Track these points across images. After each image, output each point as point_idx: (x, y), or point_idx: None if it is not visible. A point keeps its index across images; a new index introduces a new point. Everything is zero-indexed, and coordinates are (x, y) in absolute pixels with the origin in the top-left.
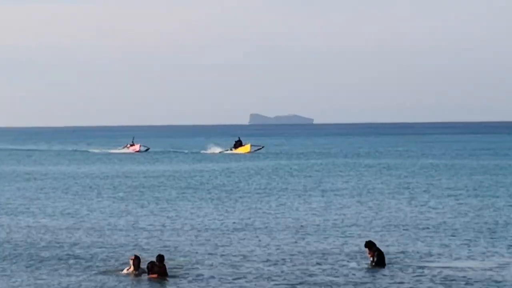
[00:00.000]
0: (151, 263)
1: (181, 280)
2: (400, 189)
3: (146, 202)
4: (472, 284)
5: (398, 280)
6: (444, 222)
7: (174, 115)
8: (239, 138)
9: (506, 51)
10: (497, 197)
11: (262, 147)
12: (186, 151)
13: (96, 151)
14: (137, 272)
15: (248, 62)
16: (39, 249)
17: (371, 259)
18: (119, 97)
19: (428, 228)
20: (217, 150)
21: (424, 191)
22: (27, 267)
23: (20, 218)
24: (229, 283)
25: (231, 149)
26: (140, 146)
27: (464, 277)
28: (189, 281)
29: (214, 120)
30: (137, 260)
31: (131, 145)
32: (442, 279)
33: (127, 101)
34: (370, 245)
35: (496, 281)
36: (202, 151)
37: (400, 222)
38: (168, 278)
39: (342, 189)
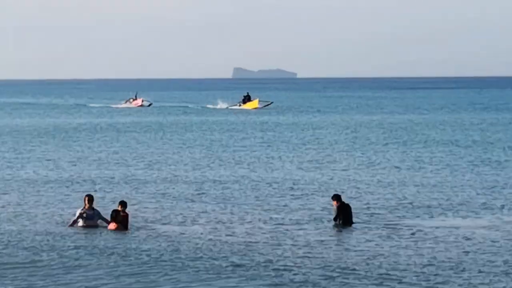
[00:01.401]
0: (115, 211)
1: (141, 234)
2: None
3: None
4: (459, 242)
5: (367, 237)
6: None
7: (158, 69)
8: (247, 93)
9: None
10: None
11: (271, 102)
12: (190, 105)
13: (96, 105)
14: (91, 212)
15: (231, 16)
16: None
17: (336, 213)
18: (108, 52)
19: (417, 185)
20: (224, 105)
21: (416, 145)
22: None
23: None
24: (196, 239)
25: (239, 105)
26: (142, 100)
27: (447, 235)
28: (151, 237)
29: (198, 74)
30: (90, 199)
31: (134, 100)
32: (411, 236)
33: (114, 55)
34: (337, 197)
35: (479, 241)
36: (208, 106)
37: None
38: (128, 231)
39: (336, 143)
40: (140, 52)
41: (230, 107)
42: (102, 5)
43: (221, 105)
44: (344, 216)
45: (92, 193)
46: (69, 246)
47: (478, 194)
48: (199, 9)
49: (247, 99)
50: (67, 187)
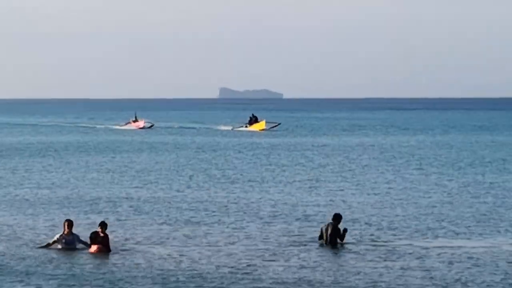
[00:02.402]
0: (95, 232)
1: (123, 255)
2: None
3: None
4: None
5: (362, 258)
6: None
7: (142, 89)
8: (253, 114)
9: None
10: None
11: (279, 124)
12: (197, 126)
13: (97, 126)
14: (70, 237)
15: (218, 36)
16: None
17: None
18: (94, 71)
19: (409, 204)
20: (230, 127)
21: (409, 166)
22: None
23: None
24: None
25: (245, 126)
26: (144, 122)
27: (439, 255)
28: (134, 257)
29: (183, 94)
30: (70, 224)
31: (134, 121)
32: (404, 257)
33: (101, 75)
34: (334, 217)
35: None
36: (215, 127)
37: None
38: (109, 253)
39: (327, 165)
40: (120, 71)
41: (236, 129)
42: (78, 21)
43: (226, 126)
44: (330, 235)
45: (77, 216)
46: (51, 270)
47: (470, 215)
48: (184, 29)
49: (253, 120)
50: (56, 208)
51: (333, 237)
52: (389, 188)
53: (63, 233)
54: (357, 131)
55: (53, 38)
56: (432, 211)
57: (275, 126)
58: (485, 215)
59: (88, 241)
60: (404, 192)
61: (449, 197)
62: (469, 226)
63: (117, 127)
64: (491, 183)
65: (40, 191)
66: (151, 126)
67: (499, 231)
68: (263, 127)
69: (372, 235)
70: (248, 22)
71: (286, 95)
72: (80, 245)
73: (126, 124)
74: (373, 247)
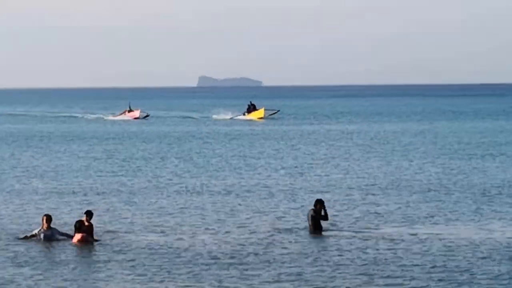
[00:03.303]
0: (80, 221)
1: (105, 247)
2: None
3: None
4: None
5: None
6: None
7: (121, 77)
8: (251, 102)
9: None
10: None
11: (278, 111)
12: (195, 116)
13: (88, 117)
14: (49, 232)
15: (196, 24)
16: None
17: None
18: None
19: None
20: (227, 115)
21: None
22: None
23: None
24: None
25: (243, 114)
26: (140, 112)
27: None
28: (116, 250)
29: (162, 82)
30: (48, 218)
31: (129, 111)
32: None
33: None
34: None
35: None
36: (213, 116)
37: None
38: (93, 243)
39: (313, 153)
40: (97, 59)
41: (234, 117)
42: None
43: (224, 115)
44: (312, 222)
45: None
46: (31, 259)
47: (457, 200)
48: (162, 17)
49: (252, 108)
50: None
51: (316, 222)
52: (375, 175)
53: (42, 227)
54: (341, 118)
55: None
56: (419, 197)
57: (274, 113)
58: (472, 200)
59: (69, 233)
60: (389, 178)
61: (435, 183)
62: (454, 212)
63: (111, 117)
64: (474, 168)
65: (29, 180)
66: (147, 116)
67: (488, 216)
68: (262, 115)
69: (359, 221)
70: (224, 10)
71: (266, 83)
72: (61, 237)
73: (121, 114)
74: (362, 234)
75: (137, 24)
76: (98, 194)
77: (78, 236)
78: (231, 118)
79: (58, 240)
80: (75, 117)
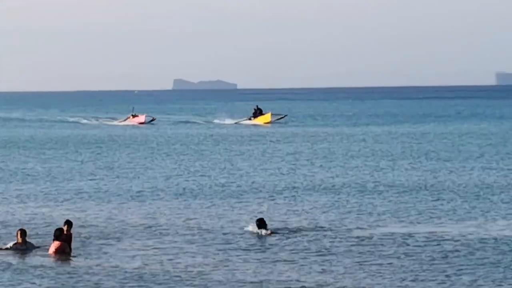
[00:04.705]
0: (59, 230)
1: (85, 255)
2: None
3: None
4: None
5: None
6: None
7: (92, 81)
8: (257, 106)
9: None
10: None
11: (285, 115)
12: (200, 121)
13: (90, 122)
14: (23, 247)
15: (171, 27)
16: None
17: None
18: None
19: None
20: (232, 120)
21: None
22: None
23: None
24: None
25: (250, 119)
26: (145, 116)
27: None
28: (96, 257)
29: (137, 86)
30: (22, 233)
31: (134, 116)
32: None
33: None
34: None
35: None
36: (215, 121)
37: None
38: (70, 254)
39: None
40: (68, 61)
41: (239, 122)
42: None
43: (229, 120)
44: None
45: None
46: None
47: (443, 200)
48: (136, 19)
49: (258, 112)
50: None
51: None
52: (363, 174)
53: (17, 242)
54: (321, 121)
55: None
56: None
57: (281, 118)
58: (463, 199)
59: (41, 246)
60: (377, 179)
61: (423, 184)
62: (442, 211)
63: (116, 122)
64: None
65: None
66: (152, 120)
67: (481, 215)
68: (269, 119)
69: (350, 221)
70: (200, 11)
71: (240, 86)
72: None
73: (126, 119)
74: (352, 233)
75: (110, 26)
76: (93, 199)
77: (56, 244)
78: (235, 123)
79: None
80: (75, 122)
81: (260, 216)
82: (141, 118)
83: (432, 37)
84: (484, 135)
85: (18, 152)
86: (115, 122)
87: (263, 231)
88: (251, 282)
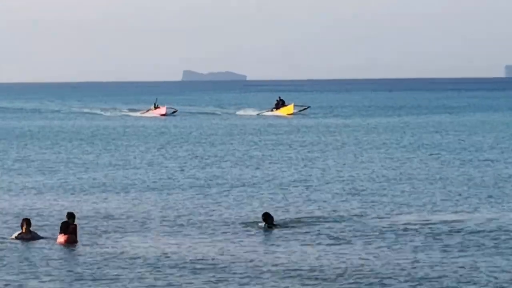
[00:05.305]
0: (65, 222)
1: (101, 246)
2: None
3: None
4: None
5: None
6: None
7: (106, 72)
8: (280, 97)
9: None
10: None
11: (308, 107)
12: (219, 112)
13: (109, 114)
14: (29, 236)
15: (181, 19)
16: None
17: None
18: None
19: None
20: (254, 111)
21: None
22: None
23: None
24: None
25: (272, 110)
26: (166, 108)
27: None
28: (113, 248)
29: (147, 77)
30: (27, 222)
31: (156, 108)
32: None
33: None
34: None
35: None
36: (238, 113)
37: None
38: (77, 244)
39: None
40: (81, 54)
41: (262, 113)
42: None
43: (251, 111)
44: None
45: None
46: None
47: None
48: (147, 11)
49: (280, 103)
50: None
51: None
52: (363, 168)
53: (22, 232)
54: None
55: None
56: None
57: (304, 109)
58: (464, 189)
59: (49, 237)
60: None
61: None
62: (445, 200)
63: (138, 114)
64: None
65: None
66: (174, 111)
67: (481, 204)
68: (292, 111)
69: (368, 211)
70: (210, 3)
71: (250, 77)
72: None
73: (148, 111)
74: (360, 224)
75: (121, 19)
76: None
77: (63, 237)
78: (258, 114)
79: (42, 238)
80: (97, 114)
81: (270, 209)
82: (163, 109)
83: (443, 30)
84: (495, 126)
85: (32, 144)
86: (138, 114)
87: (265, 224)
88: (269, 271)
